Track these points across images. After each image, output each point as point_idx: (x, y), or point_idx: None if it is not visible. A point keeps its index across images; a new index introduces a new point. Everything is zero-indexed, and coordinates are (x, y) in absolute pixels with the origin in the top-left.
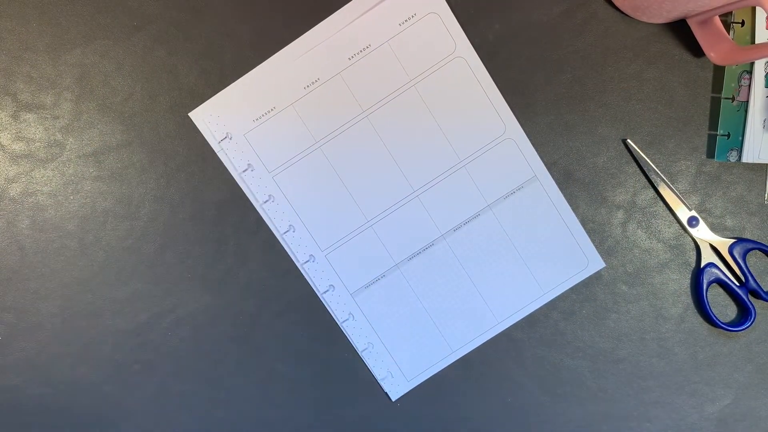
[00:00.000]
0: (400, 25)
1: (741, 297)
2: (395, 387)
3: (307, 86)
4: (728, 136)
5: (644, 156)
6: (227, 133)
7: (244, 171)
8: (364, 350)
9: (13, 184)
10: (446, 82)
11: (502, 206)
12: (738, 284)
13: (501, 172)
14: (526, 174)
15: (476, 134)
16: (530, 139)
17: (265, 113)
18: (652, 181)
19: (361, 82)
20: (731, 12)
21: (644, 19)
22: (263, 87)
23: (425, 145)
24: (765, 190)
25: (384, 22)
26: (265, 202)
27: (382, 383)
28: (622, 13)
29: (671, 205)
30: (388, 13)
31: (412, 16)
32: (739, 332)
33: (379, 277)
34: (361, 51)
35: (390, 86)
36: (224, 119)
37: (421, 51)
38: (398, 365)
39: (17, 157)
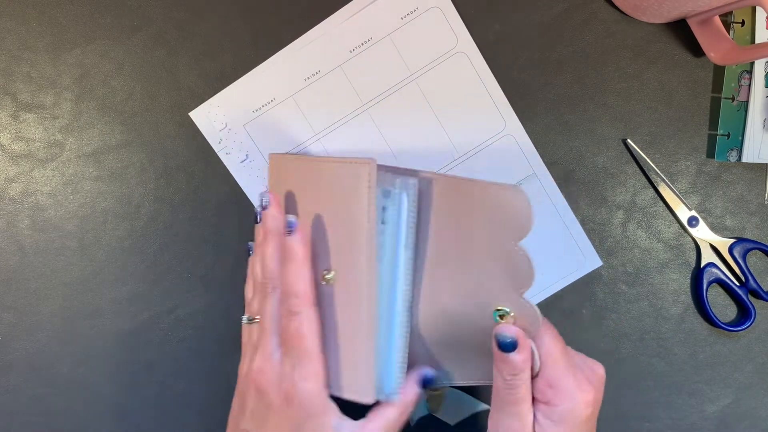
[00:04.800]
0: (402, 18)
1: (741, 297)
2: None
3: (308, 78)
4: (728, 136)
5: (644, 156)
6: (226, 123)
7: (242, 162)
8: None
9: (13, 184)
10: (447, 77)
11: None
12: (738, 284)
13: (500, 168)
14: (525, 170)
15: (476, 130)
16: (530, 139)
17: (265, 104)
18: (652, 181)
19: (361, 75)
20: (731, 12)
21: (644, 19)
22: (263, 84)
23: (425, 140)
24: (765, 190)
25: (386, 15)
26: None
27: None
28: (622, 13)
29: (671, 205)
30: (391, 6)
31: (414, 10)
32: (739, 332)
33: None
34: (362, 44)
35: (391, 80)
36: (224, 119)
37: (422, 45)
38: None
39: (17, 157)
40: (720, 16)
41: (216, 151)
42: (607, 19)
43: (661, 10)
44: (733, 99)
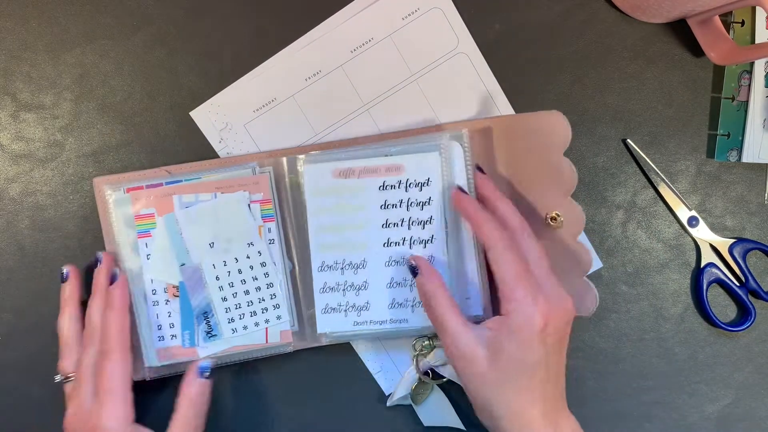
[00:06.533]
0: (403, 19)
1: (741, 297)
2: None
3: (308, 78)
4: (728, 136)
5: (644, 156)
6: (227, 123)
7: None
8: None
9: (13, 184)
10: (448, 77)
11: None
12: (738, 284)
13: None
14: None
15: None
16: None
17: (266, 104)
18: (652, 181)
19: (362, 76)
20: (731, 12)
21: (644, 18)
22: (264, 84)
23: None
24: (765, 190)
25: (387, 15)
26: None
27: (376, 377)
28: (622, 13)
29: (671, 205)
30: (392, 6)
31: (416, 11)
32: (739, 332)
33: None
34: (363, 44)
35: (391, 80)
36: (225, 118)
37: (423, 46)
38: (393, 361)
39: (17, 157)
40: (720, 16)
41: (217, 150)
42: (607, 19)
43: (661, 9)
44: (733, 99)
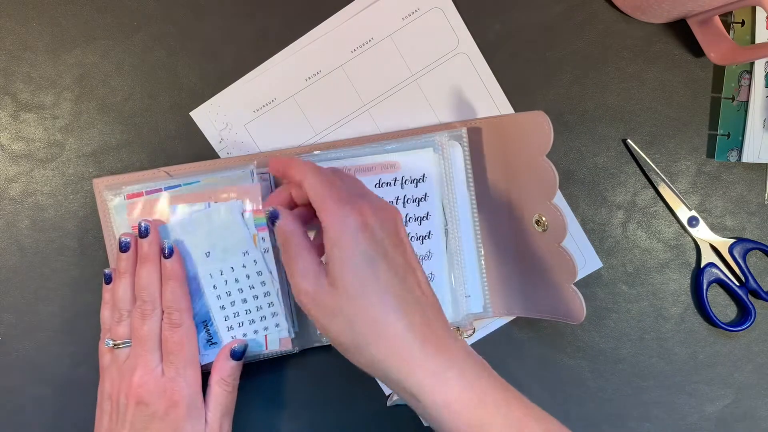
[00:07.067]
0: (403, 19)
1: (741, 297)
2: None
3: (308, 78)
4: (728, 136)
5: (644, 156)
6: (227, 123)
7: None
8: None
9: (13, 184)
10: (448, 78)
11: None
12: (738, 284)
13: None
14: None
15: None
16: None
17: (266, 104)
18: (652, 181)
19: (362, 76)
20: (731, 12)
21: (644, 18)
22: (264, 84)
23: None
24: (765, 190)
25: (387, 15)
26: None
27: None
28: (622, 13)
29: (671, 205)
30: (392, 7)
31: (416, 11)
32: (739, 332)
33: None
34: (363, 44)
35: (391, 80)
36: (225, 118)
37: (423, 46)
38: None
39: (17, 157)
40: (720, 16)
41: (217, 150)
42: (607, 19)
43: (661, 10)
44: (733, 99)
